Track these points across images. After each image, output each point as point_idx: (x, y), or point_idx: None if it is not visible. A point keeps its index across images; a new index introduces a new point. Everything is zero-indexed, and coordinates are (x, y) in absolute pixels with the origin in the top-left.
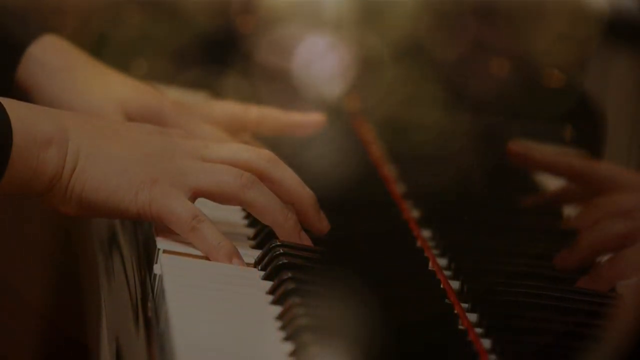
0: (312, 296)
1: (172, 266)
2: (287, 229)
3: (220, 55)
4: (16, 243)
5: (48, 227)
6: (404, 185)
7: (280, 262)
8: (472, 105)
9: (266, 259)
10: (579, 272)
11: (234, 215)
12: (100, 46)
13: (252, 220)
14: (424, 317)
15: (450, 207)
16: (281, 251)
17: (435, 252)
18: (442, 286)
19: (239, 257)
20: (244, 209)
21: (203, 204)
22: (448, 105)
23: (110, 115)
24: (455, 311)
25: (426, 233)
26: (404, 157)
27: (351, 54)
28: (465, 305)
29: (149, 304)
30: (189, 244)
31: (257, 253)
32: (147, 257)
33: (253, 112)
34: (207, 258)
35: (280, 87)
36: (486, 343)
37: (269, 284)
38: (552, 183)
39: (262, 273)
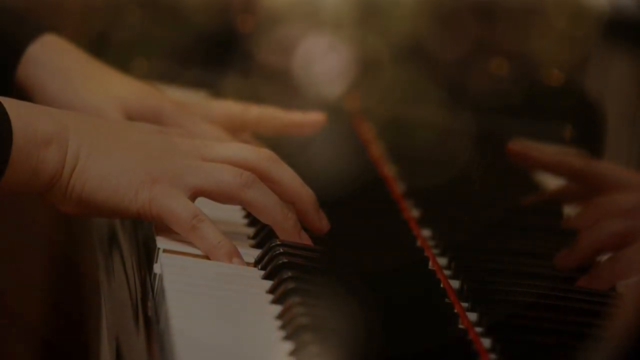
0: (312, 295)
1: (172, 265)
2: (287, 228)
3: (221, 55)
4: (16, 242)
5: (48, 226)
6: (404, 184)
7: (280, 262)
8: (472, 104)
9: (266, 258)
10: (578, 272)
11: (234, 214)
12: (101, 46)
13: (252, 220)
14: (424, 317)
15: (450, 207)
16: (281, 250)
17: (435, 251)
18: (441, 285)
19: (239, 256)
20: (244, 208)
21: (203, 203)
22: (448, 104)
23: (110, 114)
24: (455, 310)
25: (426, 232)
26: (403, 156)
27: (351, 54)
28: (465, 305)
29: (149, 303)
30: (189, 243)
31: (257, 252)
32: (147, 256)
33: (253, 112)
34: (207, 257)
35: (280, 87)
36: (486, 342)
37: (269, 283)
38: (552, 182)
39: (262, 272)
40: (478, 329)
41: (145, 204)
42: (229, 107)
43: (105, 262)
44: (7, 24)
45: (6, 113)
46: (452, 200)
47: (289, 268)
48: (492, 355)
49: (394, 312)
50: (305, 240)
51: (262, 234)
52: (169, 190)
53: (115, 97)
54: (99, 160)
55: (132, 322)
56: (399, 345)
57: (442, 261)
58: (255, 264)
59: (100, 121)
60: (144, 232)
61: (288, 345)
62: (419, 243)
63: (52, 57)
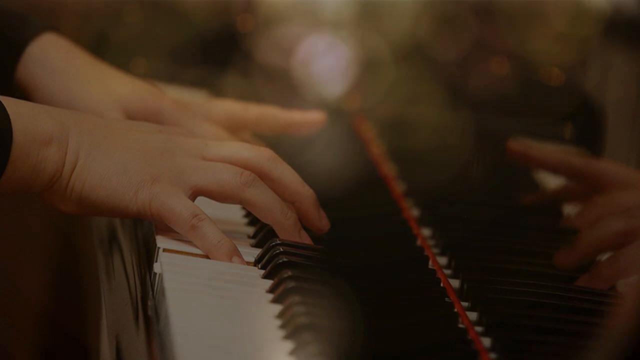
0: (312, 295)
1: (172, 264)
2: (287, 227)
3: (221, 55)
4: (16, 241)
5: (48, 225)
6: (404, 183)
7: (280, 261)
8: (473, 103)
9: (266, 257)
10: (579, 270)
11: (234, 213)
12: (101, 45)
13: (252, 219)
14: (424, 316)
15: (450, 206)
16: (281, 250)
17: (435, 250)
18: (441, 285)
19: (239, 255)
20: (244, 208)
21: (203, 202)
22: (448, 103)
23: (110, 113)
24: (455, 310)
25: (426, 232)
26: (403, 155)
27: (351, 53)
28: (465, 304)
29: (149, 303)
30: (189, 242)
31: (257, 251)
32: (147, 255)
33: (253, 111)
34: (207, 256)
35: (280, 87)
36: (486, 341)
37: (269, 283)
38: (552, 181)
39: (262, 271)
40: (478, 328)
41: (145, 203)
42: (229, 107)
43: (105, 261)
44: (7, 22)
45: (6, 112)
46: (452, 200)
47: (289, 267)
48: (492, 355)
49: (393, 311)
50: (305, 239)
51: (262, 233)
52: (169, 190)
53: (116, 96)
54: (99, 159)
55: (132, 321)
56: (399, 345)
57: (442, 260)
58: (255, 263)
59: (100, 120)
60: (144, 231)
61: (288, 345)
62: (418, 242)
63: (52, 56)
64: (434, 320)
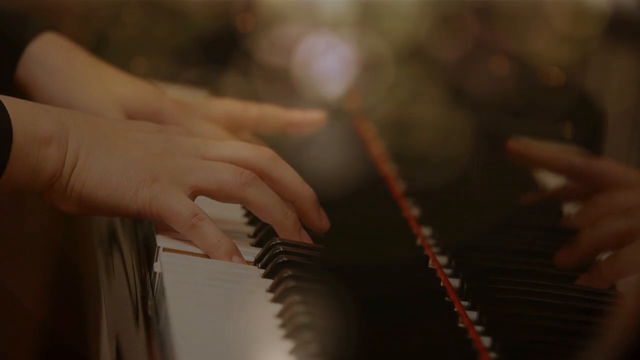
0: (312, 294)
1: (172, 264)
2: (287, 226)
3: (221, 54)
4: (16, 241)
5: (48, 225)
6: (404, 183)
7: (281, 260)
8: (473, 103)
9: (266, 256)
10: (579, 270)
11: (234, 213)
12: (101, 45)
13: (252, 218)
14: (424, 315)
15: (450, 205)
16: (281, 249)
17: (435, 250)
18: (441, 284)
19: (239, 255)
20: (244, 207)
21: (203, 202)
22: (448, 103)
23: (110, 113)
24: (455, 309)
25: (426, 231)
26: (403, 155)
27: (351, 53)
28: (465, 303)
29: (149, 302)
30: (189, 241)
31: (257, 251)
32: (147, 255)
33: (253, 111)
34: (207, 256)
35: (280, 86)
36: (486, 341)
37: (269, 282)
38: (552, 181)
39: (262, 271)
40: (478, 328)
41: (145, 203)
42: (229, 106)
43: (105, 261)
44: (8, 22)
45: (6, 111)
46: (452, 199)
47: (289, 267)
48: (492, 354)
49: (393, 311)
50: (306, 238)
51: (262, 233)
52: (169, 189)
53: (116, 95)
54: (99, 158)
55: (132, 320)
56: (399, 344)
57: (442, 260)
58: (255, 262)
59: (100, 120)
60: (144, 230)
61: (288, 344)
62: (418, 242)
63: (52, 56)
64: (434, 320)
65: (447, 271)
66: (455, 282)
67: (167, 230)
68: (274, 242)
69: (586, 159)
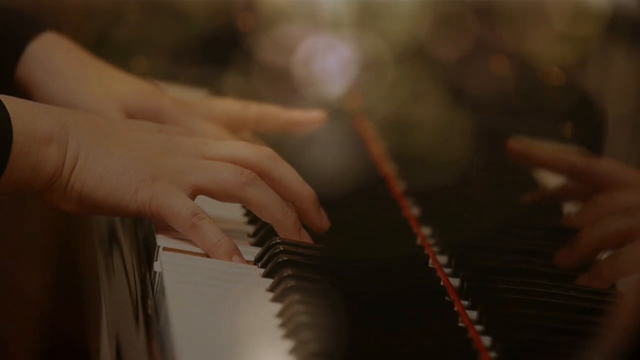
0: (312, 294)
1: (172, 264)
2: (287, 226)
3: (221, 54)
4: (16, 241)
5: (48, 225)
6: (404, 182)
7: (280, 260)
8: (473, 103)
9: (266, 256)
10: (579, 270)
11: (234, 212)
12: (101, 44)
13: (252, 218)
14: (424, 314)
15: (450, 205)
16: (281, 248)
17: (435, 249)
18: (441, 283)
19: (239, 254)
20: (244, 207)
21: (203, 201)
22: (448, 103)
23: (110, 112)
24: (455, 309)
25: (426, 230)
26: (403, 155)
27: (351, 53)
28: (465, 303)
29: (149, 302)
30: (189, 241)
31: (257, 250)
32: (147, 254)
33: (253, 110)
34: (207, 255)
35: (281, 86)
36: (486, 340)
37: (269, 282)
38: (552, 180)
39: (262, 270)
40: (478, 327)
41: (146, 202)
42: (229, 106)
43: (105, 260)
44: (8, 22)
45: (6, 111)
46: (452, 199)
47: (289, 266)
48: (492, 353)
49: (393, 310)
50: (306, 238)
51: (262, 232)
52: (169, 189)
53: (116, 95)
54: (99, 158)
55: (132, 320)
56: (399, 343)
57: (442, 259)
58: (255, 262)
59: (100, 119)
60: (144, 230)
61: (288, 343)
62: (418, 241)
63: (52, 56)
64: (434, 319)
65: (447, 270)
66: (455, 282)
67: (167, 229)
68: (274, 242)
69: (586, 158)
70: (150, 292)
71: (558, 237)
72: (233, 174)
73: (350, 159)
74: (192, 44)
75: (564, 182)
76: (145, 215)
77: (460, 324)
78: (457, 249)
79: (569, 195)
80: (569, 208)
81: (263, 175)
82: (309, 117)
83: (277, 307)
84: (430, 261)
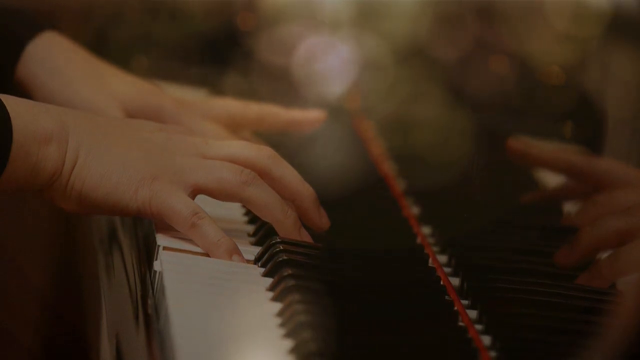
0: (312, 293)
1: (172, 263)
2: (287, 225)
3: (221, 53)
4: (16, 241)
5: (48, 224)
6: (404, 182)
7: (280, 259)
8: (473, 102)
9: (266, 255)
10: (579, 269)
11: (234, 212)
12: (101, 44)
13: (252, 217)
14: (424, 314)
15: (450, 204)
16: (281, 248)
17: (435, 248)
18: (441, 283)
19: (239, 253)
20: (244, 206)
21: (203, 201)
22: (448, 102)
23: (110, 112)
24: (455, 308)
25: (426, 230)
26: (403, 154)
27: (352, 53)
28: (465, 302)
29: (149, 301)
30: (189, 240)
31: (257, 250)
32: (147, 253)
33: (253, 110)
34: (207, 255)
35: (281, 86)
36: (486, 340)
37: (269, 281)
38: (552, 180)
39: (262, 270)
40: (478, 327)
41: (145, 202)
42: (229, 105)
43: (105, 259)
44: (8, 21)
45: (6, 110)
46: (452, 198)
47: (289, 265)
48: (492, 353)
49: (393, 310)
50: (306, 237)
51: (262, 232)
52: (169, 188)
53: (116, 94)
54: (99, 157)
55: (132, 319)
56: (399, 343)
57: (442, 259)
58: (255, 261)
59: (100, 119)
60: (144, 229)
61: (288, 343)
62: (419, 240)
63: (52, 55)
64: (434, 318)
65: (447, 270)
66: (455, 281)
67: (167, 229)
68: (274, 241)
69: (586, 158)
70: (150, 291)
71: (558, 237)
72: (233, 173)
73: (350, 158)
74: (192, 44)
75: (564, 182)
76: (145, 214)
77: (460, 324)
78: (457, 248)
79: (569, 195)
80: (569, 208)
81: (263, 175)
82: (308, 116)
83: (277, 306)
84: (430, 260)
